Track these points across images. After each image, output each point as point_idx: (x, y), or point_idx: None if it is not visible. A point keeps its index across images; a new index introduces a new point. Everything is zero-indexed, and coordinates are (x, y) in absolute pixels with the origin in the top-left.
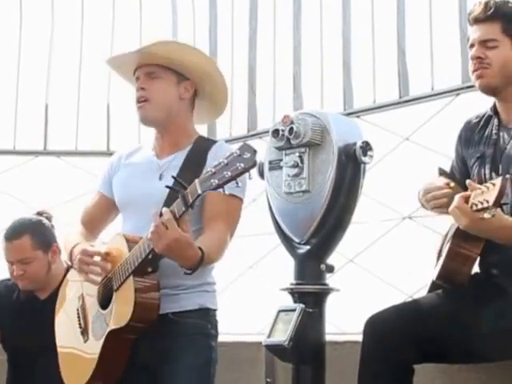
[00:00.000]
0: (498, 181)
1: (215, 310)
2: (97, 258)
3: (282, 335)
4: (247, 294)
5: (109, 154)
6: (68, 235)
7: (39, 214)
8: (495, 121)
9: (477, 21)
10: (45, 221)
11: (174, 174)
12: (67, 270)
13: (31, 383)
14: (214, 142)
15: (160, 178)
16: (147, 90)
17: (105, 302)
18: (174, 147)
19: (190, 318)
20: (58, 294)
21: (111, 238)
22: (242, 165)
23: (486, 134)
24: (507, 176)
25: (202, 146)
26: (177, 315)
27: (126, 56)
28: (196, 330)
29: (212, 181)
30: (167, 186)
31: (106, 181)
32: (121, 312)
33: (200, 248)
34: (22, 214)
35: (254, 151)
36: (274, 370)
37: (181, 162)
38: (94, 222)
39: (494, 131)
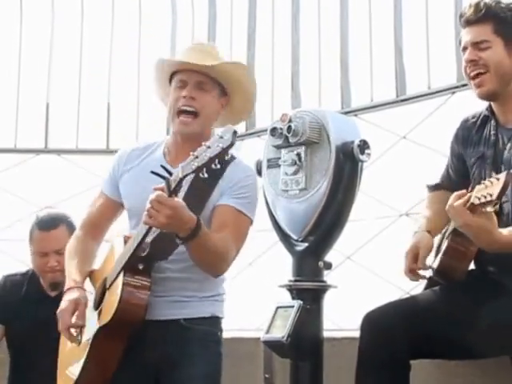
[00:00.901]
0: (502, 175)
1: (222, 319)
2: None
3: (281, 331)
4: (246, 291)
5: (109, 152)
6: (68, 258)
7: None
8: (492, 121)
9: (468, 23)
10: None
11: None
12: None
13: (33, 381)
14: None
15: None
16: (197, 101)
17: (99, 302)
18: (188, 155)
19: (202, 325)
20: None
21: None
22: (221, 145)
23: (485, 134)
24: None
25: None
26: (189, 322)
27: (193, 65)
28: (208, 337)
29: (192, 163)
30: (152, 172)
31: (110, 182)
32: (107, 309)
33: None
34: (23, 212)
35: (234, 132)
36: (272, 365)
37: None
38: (99, 225)
39: (492, 132)
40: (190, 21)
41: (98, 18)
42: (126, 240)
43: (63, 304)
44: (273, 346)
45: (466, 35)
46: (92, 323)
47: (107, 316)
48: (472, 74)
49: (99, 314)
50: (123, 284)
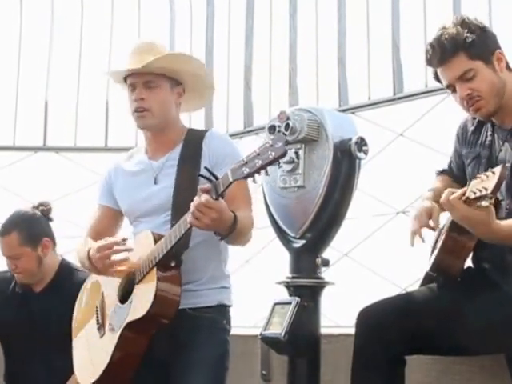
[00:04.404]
0: (497, 169)
1: (230, 306)
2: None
3: (278, 328)
4: (243, 288)
5: (107, 149)
6: (79, 248)
7: (39, 205)
8: (489, 123)
9: (441, 62)
10: (38, 215)
11: (173, 174)
12: (61, 263)
13: (26, 375)
14: (205, 131)
15: (155, 182)
16: (146, 100)
17: (125, 296)
18: (166, 147)
19: (209, 314)
20: (53, 287)
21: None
22: (273, 153)
23: (482, 135)
24: (507, 164)
25: (194, 138)
26: (195, 310)
27: (127, 70)
28: (214, 325)
29: (243, 169)
30: (200, 175)
31: (105, 192)
32: (140, 303)
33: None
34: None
35: (286, 141)
36: (269, 362)
37: (176, 160)
38: (102, 234)
39: (488, 132)
40: (188, 19)
41: (97, 17)
42: (157, 238)
43: (92, 252)
44: (270, 342)
45: (446, 74)
46: (118, 316)
47: (140, 311)
48: (472, 106)
49: (128, 307)
50: (157, 281)
